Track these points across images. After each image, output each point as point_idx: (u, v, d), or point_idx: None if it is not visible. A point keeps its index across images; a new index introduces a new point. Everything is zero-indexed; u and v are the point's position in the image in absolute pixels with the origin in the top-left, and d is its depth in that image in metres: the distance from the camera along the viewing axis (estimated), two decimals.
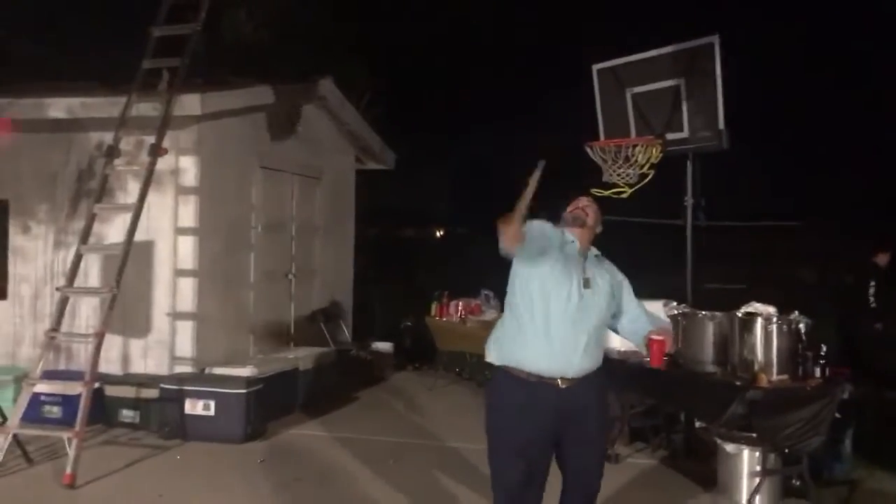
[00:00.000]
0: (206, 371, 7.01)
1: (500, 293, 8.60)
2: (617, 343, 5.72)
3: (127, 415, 6.87)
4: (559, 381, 3.54)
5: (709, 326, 5.56)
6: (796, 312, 5.24)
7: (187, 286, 7.18)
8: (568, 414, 3.56)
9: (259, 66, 10.09)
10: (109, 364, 7.01)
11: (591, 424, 3.64)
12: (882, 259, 8.53)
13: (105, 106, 7.01)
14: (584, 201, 3.80)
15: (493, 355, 3.72)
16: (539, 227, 3.52)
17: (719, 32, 6.28)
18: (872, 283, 8.61)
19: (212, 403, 6.56)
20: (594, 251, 3.79)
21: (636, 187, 6.30)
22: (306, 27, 12.73)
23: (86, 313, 7.25)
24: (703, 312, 5.63)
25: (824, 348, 5.19)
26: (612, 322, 3.81)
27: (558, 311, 3.53)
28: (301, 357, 7.90)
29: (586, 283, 3.59)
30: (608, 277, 3.72)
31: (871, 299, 8.81)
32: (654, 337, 3.60)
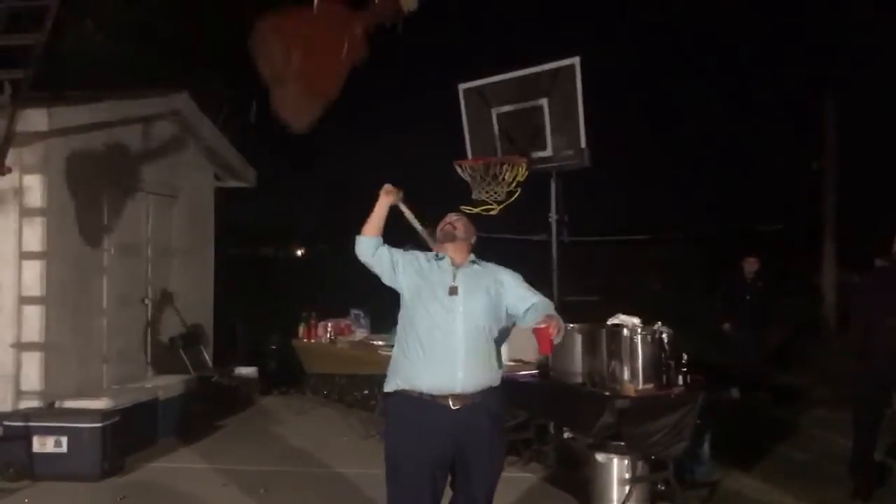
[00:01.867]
0: (57, 405, 6.54)
1: (369, 312, 8.60)
2: None
3: None
4: (450, 402, 3.57)
5: (577, 338, 5.69)
6: (659, 323, 5.47)
7: (34, 314, 6.69)
8: (462, 437, 3.59)
9: (111, 78, 9.59)
10: None
11: (484, 448, 3.67)
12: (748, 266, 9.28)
13: None
14: (451, 217, 3.96)
15: (388, 383, 3.76)
16: (398, 251, 3.83)
17: (581, 53, 6.52)
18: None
19: (63, 439, 6.11)
20: (471, 259, 3.88)
21: (504, 204, 6.43)
22: (161, 38, 12.23)
23: None
24: (572, 325, 5.77)
25: (685, 357, 5.44)
26: (514, 320, 3.84)
27: (426, 323, 3.67)
28: (160, 386, 7.53)
29: (452, 291, 3.70)
30: (486, 282, 3.80)
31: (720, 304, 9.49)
32: (537, 326, 3.60)
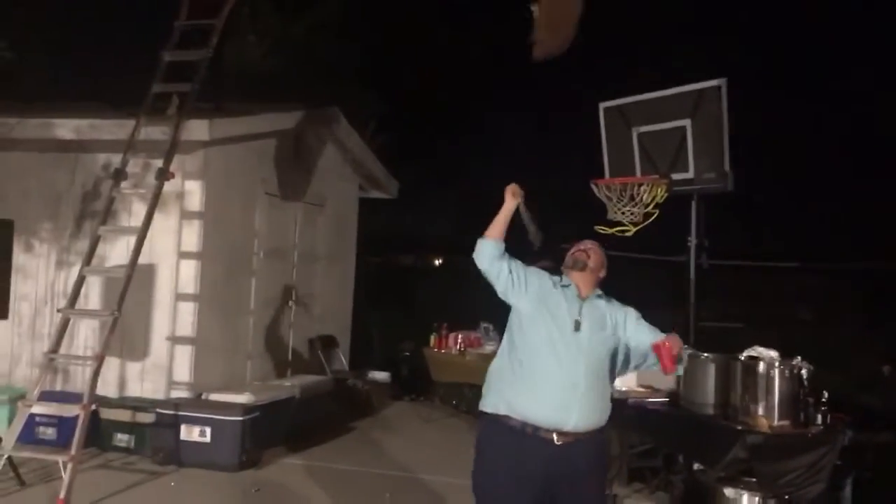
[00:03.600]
0: (203, 396, 6.97)
1: (499, 325, 8.64)
2: (616, 382, 5.69)
3: (122, 439, 6.80)
4: (555, 437, 3.39)
5: (710, 368, 5.50)
6: (798, 358, 5.22)
7: (187, 310, 7.15)
8: (563, 475, 3.40)
9: (266, 92, 10.15)
10: (106, 386, 6.96)
11: (588, 488, 3.50)
12: None
13: (113, 128, 7.03)
14: (587, 244, 3.74)
15: (487, 401, 3.58)
16: (520, 265, 3.61)
17: (727, 75, 6.32)
18: None
19: (208, 430, 6.50)
20: (597, 293, 3.68)
21: (641, 226, 6.30)
22: (314, 54, 12.83)
23: (84, 334, 7.22)
24: (705, 354, 5.59)
25: (826, 394, 5.16)
26: (631, 364, 3.68)
27: (544, 353, 3.45)
28: (298, 385, 7.85)
29: (576, 327, 3.49)
30: (610, 319, 3.61)
31: None
32: (656, 342, 3.48)
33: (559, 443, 3.39)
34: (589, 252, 3.68)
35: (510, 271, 3.59)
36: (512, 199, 3.69)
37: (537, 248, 3.77)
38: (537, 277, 3.65)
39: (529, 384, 3.45)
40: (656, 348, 3.47)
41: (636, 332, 3.66)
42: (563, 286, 3.64)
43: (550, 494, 3.43)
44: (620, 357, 3.66)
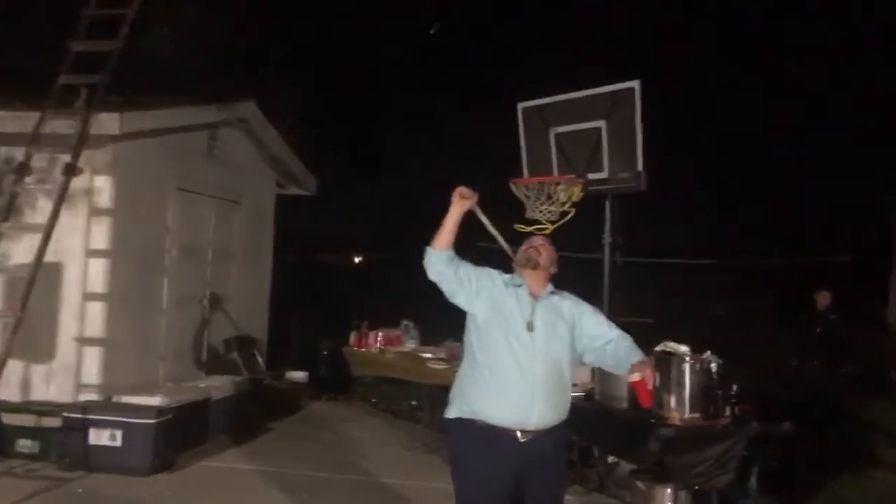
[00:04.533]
0: (114, 399, 6.75)
1: (420, 323, 8.66)
2: None
3: (25, 444, 6.53)
4: (519, 434, 3.44)
5: None
6: (708, 352, 5.40)
7: (96, 310, 6.90)
8: (528, 468, 3.47)
9: (180, 85, 9.88)
10: (8, 389, 6.65)
11: (549, 476, 3.58)
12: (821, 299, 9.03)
13: (16, 120, 6.73)
14: (536, 241, 3.71)
15: (452, 408, 3.59)
16: (471, 269, 3.54)
17: (645, 73, 6.49)
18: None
19: (118, 433, 6.30)
20: (550, 290, 3.68)
21: (557, 224, 6.40)
22: (231, 46, 12.56)
23: None
24: None
25: (735, 387, 5.35)
26: (588, 358, 3.71)
27: (501, 356, 3.46)
28: (213, 386, 7.69)
29: (529, 327, 3.49)
30: (564, 316, 3.62)
31: None
32: (633, 379, 3.50)
33: (523, 440, 3.45)
34: (540, 249, 3.65)
35: (459, 279, 3.52)
36: (459, 203, 3.51)
37: (514, 256, 3.68)
38: (489, 279, 3.59)
39: (489, 387, 3.47)
40: (634, 385, 3.52)
41: (594, 327, 3.69)
42: (515, 286, 3.61)
43: (520, 487, 3.49)
44: (578, 352, 3.69)
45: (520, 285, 3.61)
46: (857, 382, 11.51)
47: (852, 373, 11.16)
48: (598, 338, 3.66)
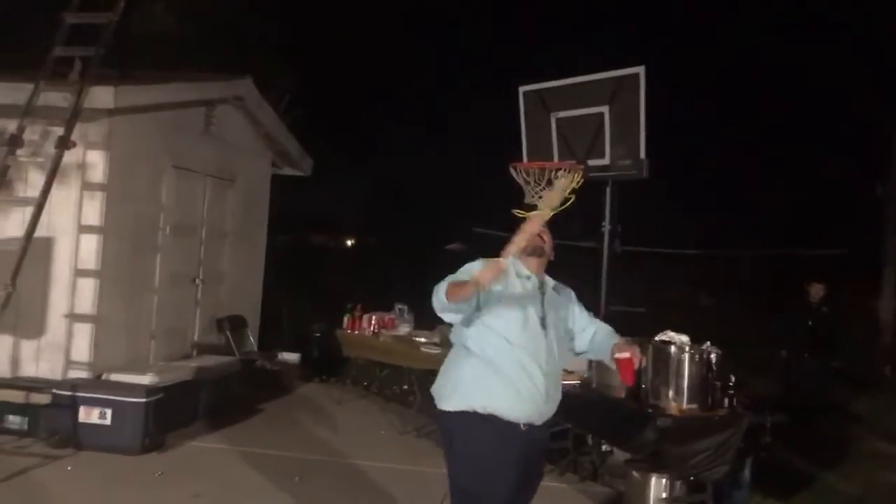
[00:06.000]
0: (104, 377, 6.67)
1: (414, 307, 8.60)
2: None
3: (14, 421, 6.44)
4: (521, 426, 3.42)
5: None
6: (708, 343, 5.36)
7: (87, 287, 6.81)
8: (528, 453, 3.49)
9: (176, 61, 9.76)
10: None
11: (540, 461, 3.66)
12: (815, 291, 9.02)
13: (9, 91, 6.60)
14: (534, 226, 3.49)
15: (452, 399, 3.46)
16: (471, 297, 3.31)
17: (650, 61, 6.41)
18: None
19: (108, 412, 6.23)
20: (550, 281, 3.65)
21: (557, 210, 6.33)
22: (228, 24, 12.41)
23: None
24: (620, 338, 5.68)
25: (733, 378, 5.32)
26: (579, 348, 3.74)
27: (515, 349, 3.39)
28: (204, 366, 7.62)
29: (543, 324, 3.46)
30: (563, 309, 3.62)
31: None
32: (620, 356, 3.50)
33: (526, 430, 3.45)
34: (543, 236, 3.59)
35: (463, 310, 3.39)
36: (491, 274, 3.15)
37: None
38: (500, 283, 3.37)
39: (500, 382, 3.40)
40: (619, 363, 3.51)
41: (584, 320, 3.74)
42: (525, 278, 3.54)
43: (522, 475, 3.47)
44: (569, 344, 3.73)
45: (530, 278, 3.56)
46: (846, 376, 11.57)
47: (842, 367, 11.22)
48: (586, 329, 3.72)
